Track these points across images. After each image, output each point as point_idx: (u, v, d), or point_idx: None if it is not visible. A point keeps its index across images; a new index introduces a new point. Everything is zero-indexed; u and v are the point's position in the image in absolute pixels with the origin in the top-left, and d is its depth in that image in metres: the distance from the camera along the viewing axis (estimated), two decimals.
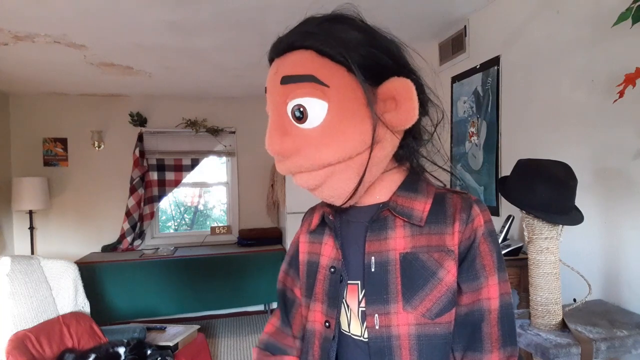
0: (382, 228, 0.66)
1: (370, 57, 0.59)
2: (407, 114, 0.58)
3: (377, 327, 0.63)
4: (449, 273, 0.62)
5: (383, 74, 0.60)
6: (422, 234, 0.64)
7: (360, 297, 0.66)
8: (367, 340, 0.65)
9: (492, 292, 0.62)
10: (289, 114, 0.60)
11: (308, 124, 0.59)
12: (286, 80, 0.59)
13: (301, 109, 0.58)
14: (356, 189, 0.62)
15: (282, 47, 0.62)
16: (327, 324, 0.69)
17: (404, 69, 0.61)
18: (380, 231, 0.66)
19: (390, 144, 0.62)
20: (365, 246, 0.66)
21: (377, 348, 0.63)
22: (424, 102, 0.64)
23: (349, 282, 0.68)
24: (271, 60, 0.64)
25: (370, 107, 0.58)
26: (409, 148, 0.65)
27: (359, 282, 0.67)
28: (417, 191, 0.66)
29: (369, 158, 0.59)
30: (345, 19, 0.61)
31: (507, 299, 0.63)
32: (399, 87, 0.58)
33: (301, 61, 0.59)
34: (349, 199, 0.63)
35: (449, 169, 0.69)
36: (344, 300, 0.68)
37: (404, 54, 0.64)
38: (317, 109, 0.58)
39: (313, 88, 0.57)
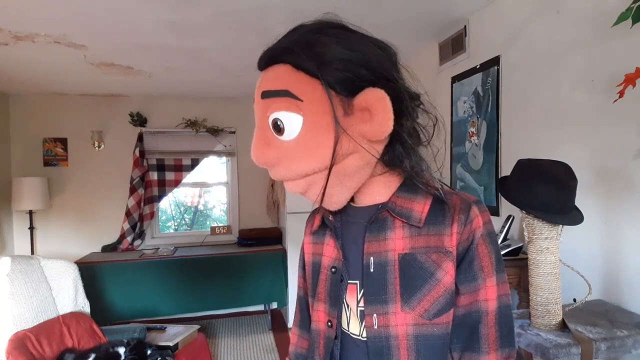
0: (381, 229, 0.66)
1: (346, 70, 0.59)
2: (381, 125, 0.58)
3: (375, 327, 0.64)
4: (447, 274, 0.62)
5: (360, 86, 0.60)
6: (421, 235, 0.64)
7: (359, 296, 0.67)
8: (365, 339, 0.66)
9: (489, 293, 0.62)
10: (270, 127, 0.62)
11: (286, 136, 0.61)
12: (265, 95, 0.62)
13: (279, 122, 0.61)
14: (323, 193, 0.63)
15: (264, 61, 0.64)
16: (329, 323, 0.70)
17: (382, 79, 0.61)
18: (379, 232, 0.66)
19: (368, 152, 0.62)
20: (364, 247, 0.67)
21: (375, 348, 0.64)
22: (406, 109, 0.63)
23: (348, 281, 0.69)
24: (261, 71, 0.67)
25: (335, 121, 0.59)
26: (396, 154, 0.64)
27: (358, 281, 0.67)
28: (417, 192, 0.66)
29: (330, 170, 0.61)
30: (328, 31, 0.61)
31: (506, 300, 0.63)
32: (371, 99, 0.58)
33: (278, 76, 0.61)
34: (335, 201, 0.65)
35: (442, 176, 0.70)
36: (344, 300, 0.69)
37: (386, 62, 0.63)
38: (292, 122, 0.60)
39: (288, 102, 0.60)
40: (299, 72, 0.60)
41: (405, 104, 0.62)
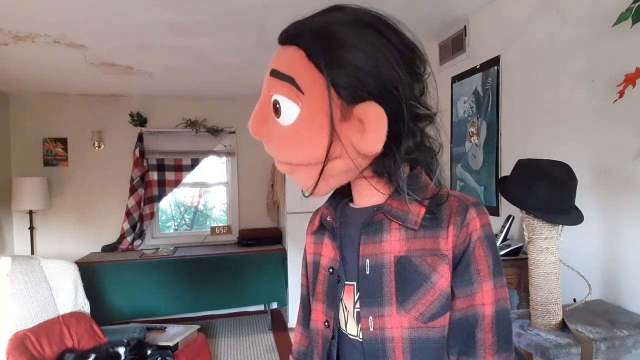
0: (377, 231, 0.66)
1: (355, 78, 0.57)
2: (370, 143, 0.57)
3: (371, 329, 0.64)
4: (442, 277, 0.62)
5: (363, 95, 0.58)
6: (417, 238, 0.63)
7: (356, 298, 0.67)
8: (362, 340, 0.66)
9: (486, 297, 0.61)
10: (271, 104, 0.63)
11: (281, 120, 0.62)
12: (273, 73, 0.63)
13: (278, 105, 0.61)
14: (315, 186, 0.64)
15: (283, 38, 0.64)
16: (326, 323, 0.70)
17: (387, 94, 0.58)
18: (375, 234, 0.66)
19: (354, 160, 0.61)
20: (359, 248, 0.66)
21: (371, 349, 0.64)
22: (407, 130, 0.61)
23: (346, 282, 0.69)
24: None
25: (331, 125, 0.58)
26: (385, 166, 0.63)
27: (354, 283, 0.67)
28: (414, 194, 0.65)
29: (323, 168, 0.61)
30: (358, 30, 0.59)
31: (503, 305, 0.62)
32: (368, 115, 0.57)
33: (289, 59, 0.61)
34: (312, 192, 0.66)
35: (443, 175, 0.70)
36: (341, 300, 0.69)
37: (404, 76, 0.60)
38: (290, 110, 0.60)
39: (290, 90, 0.60)
40: (309, 63, 0.59)
41: (407, 125, 0.60)
